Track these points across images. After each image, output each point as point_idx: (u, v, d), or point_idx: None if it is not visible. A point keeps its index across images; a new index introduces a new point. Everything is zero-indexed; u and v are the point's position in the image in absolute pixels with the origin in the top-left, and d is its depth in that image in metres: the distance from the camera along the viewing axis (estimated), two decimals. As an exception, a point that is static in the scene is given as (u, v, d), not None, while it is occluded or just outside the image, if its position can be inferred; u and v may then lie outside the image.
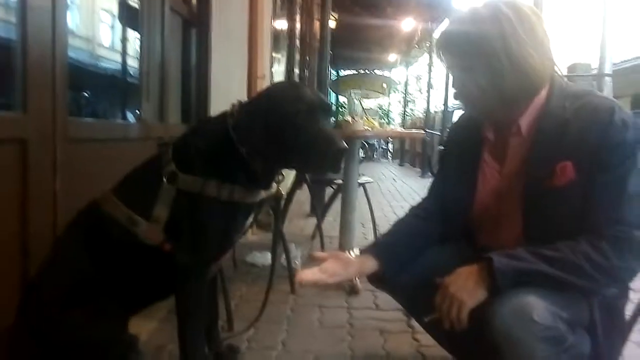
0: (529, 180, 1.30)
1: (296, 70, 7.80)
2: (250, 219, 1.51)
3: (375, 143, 17.25)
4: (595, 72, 5.18)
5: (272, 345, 1.97)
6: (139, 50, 2.54)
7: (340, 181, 3.16)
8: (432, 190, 1.63)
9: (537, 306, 1.11)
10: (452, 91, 1.43)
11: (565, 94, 1.30)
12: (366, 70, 18.68)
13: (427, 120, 12.24)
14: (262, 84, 4.16)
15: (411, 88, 20.06)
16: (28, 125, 1.49)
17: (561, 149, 1.23)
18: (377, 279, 1.48)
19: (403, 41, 14.07)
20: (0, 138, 1.40)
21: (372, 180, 3.71)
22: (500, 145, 1.39)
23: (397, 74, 19.74)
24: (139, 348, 1.48)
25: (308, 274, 1.36)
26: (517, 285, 1.15)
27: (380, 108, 21.08)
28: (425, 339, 1.83)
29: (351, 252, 2.72)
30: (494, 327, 1.13)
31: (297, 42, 7.71)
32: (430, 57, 13.00)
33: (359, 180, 3.07)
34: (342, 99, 16.85)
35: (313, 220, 4.05)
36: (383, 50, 15.54)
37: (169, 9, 2.58)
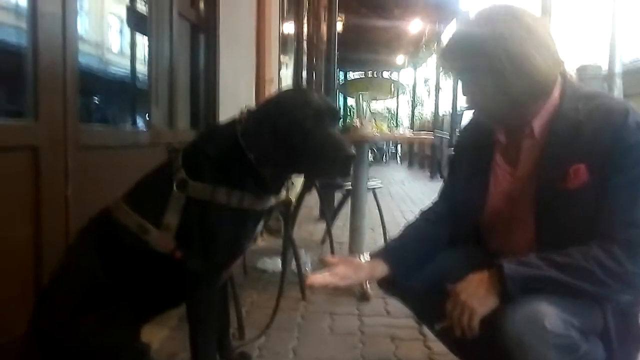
0: (541, 182, 1.28)
1: (304, 74, 7.81)
2: (260, 226, 1.50)
3: (384, 146, 17.24)
4: (605, 73, 5.14)
5: (283, 352, 1.96)
6: (147, 55, 2.55)
7: (349, 185, 3.15)
8: (443, 193, 1.62)
9: (549, 314, 1.10)
10: (460, 94, 1.43)
11: (578, 95, 1.28)
12: (374, 73, 18.66)
13: (436, 122, 12.19)
14: (270, 88, 4.17)
15: (419, 90, 20.00)
16: (39, 133, 1.50)
17: (574, 151, 1.22)
18: (387, 284, 1.48)
19: (411, 43, 14.04)
20: (13, 145, 1.42)
21: (381, 184, 3.70)
22: (513, 148, 1.38)
23: (405, 76, 19.72)
24: (151, 356, 1.48)
25: (318, 278, 1.36)
26: (528, 292, 1.13)
27: (389, 111, 21.04)
28: (437, 346, 1.82)
29: (361, 257, 2.71)
30: (506, 335, 1.12)
31: (305, 45, 7.72)
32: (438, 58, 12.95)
33: (368, 185, 3.06)
34: (350, 101, 16.86)
35: (322, 225, 4.03)
36: (390, 52, 15.52)
37: (177, 15, 2.60)
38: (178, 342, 1.86)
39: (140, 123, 2.81)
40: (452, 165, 1.72)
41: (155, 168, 1.46)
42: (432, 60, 16.36)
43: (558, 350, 1.10)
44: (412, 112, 18.46)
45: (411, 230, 1.54)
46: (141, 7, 2.75)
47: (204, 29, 3.02)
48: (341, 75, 18.23)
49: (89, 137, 1.75)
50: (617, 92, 4.81)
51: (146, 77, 2.58)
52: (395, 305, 2.12)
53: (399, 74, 19.34)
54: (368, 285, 2.52)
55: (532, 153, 1.33)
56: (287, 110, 1.35)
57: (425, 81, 21.22)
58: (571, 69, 1.41)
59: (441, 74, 12.45)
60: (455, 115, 10.09)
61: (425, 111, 20.45)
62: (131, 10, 2.96)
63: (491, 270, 1.19)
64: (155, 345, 1.84)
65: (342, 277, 1.36)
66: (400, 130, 4.20)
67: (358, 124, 2.92)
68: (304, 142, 1.33)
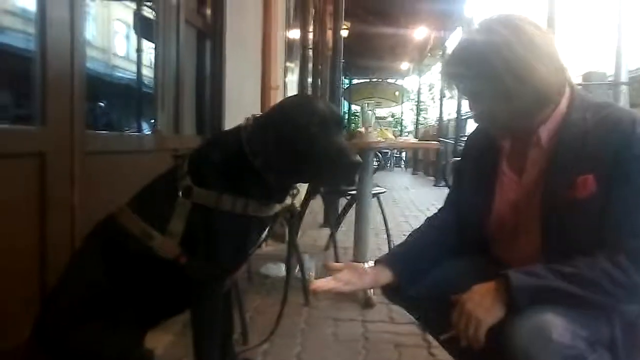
0: (548, 191, 1.27)
1: (309, 80, 7.83)
2: (265, 233, 1.50)
3: (389, 152, 17.23)
4: (611, 80, 5.12)
5: (286, 358, 1.96)
6: (154, 61, 2.56)
7: (354, 191, 3.15)
8: (448, 200, 1.61)
9: (556, 324, 1.09)
10: (464, 101, 1.44)
11: (586, 105, 1.28)
12: (379, 79, 18.70)
13: (440, 128, 12.18)
14: (276, 95, 4.18)
15: (424, 96, 20.02)
16: (46, 139, 1.50)
17: (582, 160, 1.21)
18: (391, 291, 1.47)
19: (415, 49, 14.07)
20: (20, 152, 1.42)
21: (385, 190, 3.70)
22: (519, 156, 1.38)
23: (410, 83, 19.75)
24: (155, 362, 1.48)
25: (322, 283, 1.35)
26: (534, 302, 1.13)
27: (393, 116, 21.07)
28: (441, 353, 1.80)
29: (365, 264, 2.71)
30: (513, 345, 1.11)
31: (310, 52, 7.74)
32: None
33: (372, 191, 3.06)
34: (354, 107, 16.88)
35: (327, 231, 4.03)
36: (395, 58, 15.54)
37: (184, 21, 2.61)
38: (182, 347, 1.85)
39: (146, 128, 2.82)
40: (458, 172, 1.72)
41: (161, 174, 1.46)
42: (437, 67, 16.37)
43: (565, 361, 1.09)
44: (417, 118, 18.47)
45: (416, 237, 1.53)
46: (148, 13, 2.76)
47: (211, 35, 3.03)
48: (346, 81, 18.27)
49: (95, 143, 1.76)
50: (624, 100, 4.79)
51: (152, 83, 2.59)
52: (399, 311, 2.11)
53: (403, 81, 19.37)
54: (372, 292, 2.51)
55: (539, 162, 1.32)
56: (292, 117, 1.36)
57: (430, 88, 21.27)
58: (574, 76, 1.41)
59: (445, 84, 12.46)
60: (460, 121, 10.08)
61: (430, 117, 20.47)
62: (138, 16, 2.98)
63: (497, 280, 1.18)
64: (160, 351, 1.84)
65: (346, 283, 1.36)
66: (405, 136, 4.20)
67: (363, 131, 2.93)
68: (309, 149, 1.33)
